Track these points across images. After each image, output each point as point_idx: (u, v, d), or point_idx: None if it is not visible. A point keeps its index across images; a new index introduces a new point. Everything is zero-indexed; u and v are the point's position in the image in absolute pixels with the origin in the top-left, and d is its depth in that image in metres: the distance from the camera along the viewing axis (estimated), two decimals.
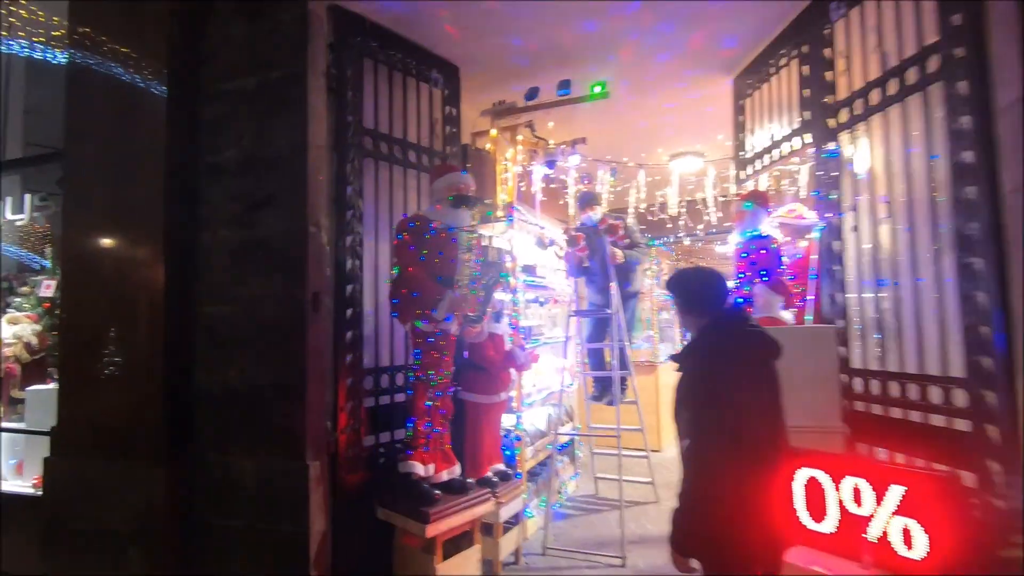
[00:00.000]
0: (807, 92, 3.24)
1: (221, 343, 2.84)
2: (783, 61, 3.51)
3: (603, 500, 4.88)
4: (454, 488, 3.06)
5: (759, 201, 3.76)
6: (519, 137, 4.10)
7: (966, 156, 2.18)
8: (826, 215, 3.07)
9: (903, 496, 2.08)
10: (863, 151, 2.80)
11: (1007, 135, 2.05)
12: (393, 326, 3.32)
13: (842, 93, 2.95)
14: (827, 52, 3.04)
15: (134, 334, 2.84)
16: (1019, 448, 2.02)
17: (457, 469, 3.19)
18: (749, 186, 4.01)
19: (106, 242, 2.95)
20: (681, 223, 5.28)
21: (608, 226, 4.27)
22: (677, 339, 6.65)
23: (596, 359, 4.73)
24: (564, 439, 4.87)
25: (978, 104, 2.14)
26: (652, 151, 5.01)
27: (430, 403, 3.06)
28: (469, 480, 3.16)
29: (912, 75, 2.47)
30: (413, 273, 2.86)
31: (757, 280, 3.59)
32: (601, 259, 4.47)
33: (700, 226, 5.32)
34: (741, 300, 3.59)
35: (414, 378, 3.05)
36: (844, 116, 2.93)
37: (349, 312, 3.04)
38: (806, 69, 3.24)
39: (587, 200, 4.36)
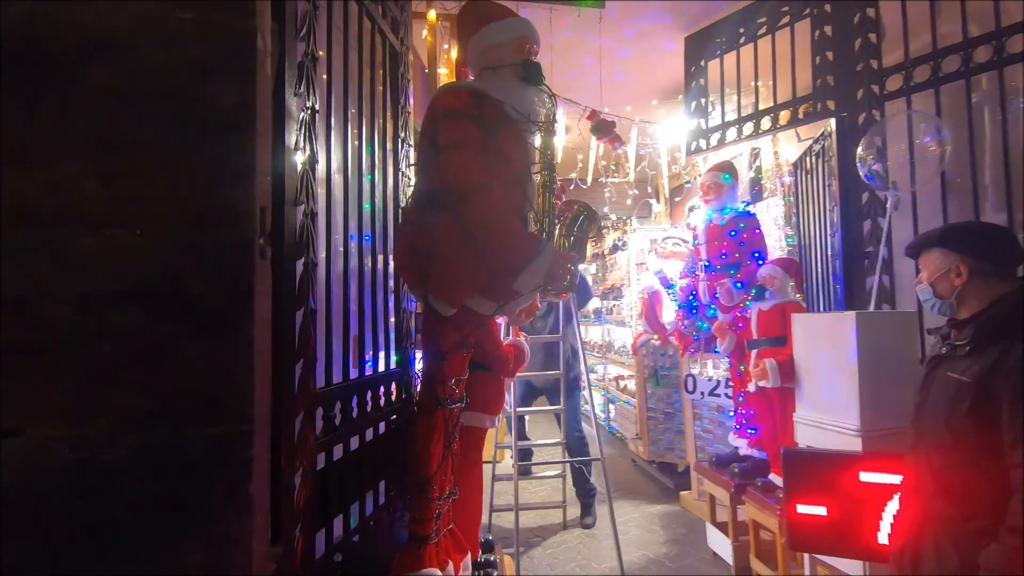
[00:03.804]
0: (829, 55, 2.93)
1: None
2: (783, 20, 3.16)
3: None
4: None
5: (735, 174, 3.35)
6: None
7: None
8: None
9: None
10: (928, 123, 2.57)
11: None
12: (347, 301, 1.69)
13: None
14: (870, 12, 2.77)
15: None
16: None
17: (468, 559, 1.80)
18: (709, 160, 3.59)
19: None
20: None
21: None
22: None
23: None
24: None
25: None
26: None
27: (447, 448, 1.63)
28: None
29: (1018, 43, 2.32)
30: (495, 203, 1.41)
31: (748, 262, 3.15)
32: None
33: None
34: (739, 285, 3.09)
35: (430, 403, 1.57)
36: (895, 83, 2.69)
37: (299, 266, 1.37)
38: (828, 29, 2.93)
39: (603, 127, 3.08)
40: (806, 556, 2.68)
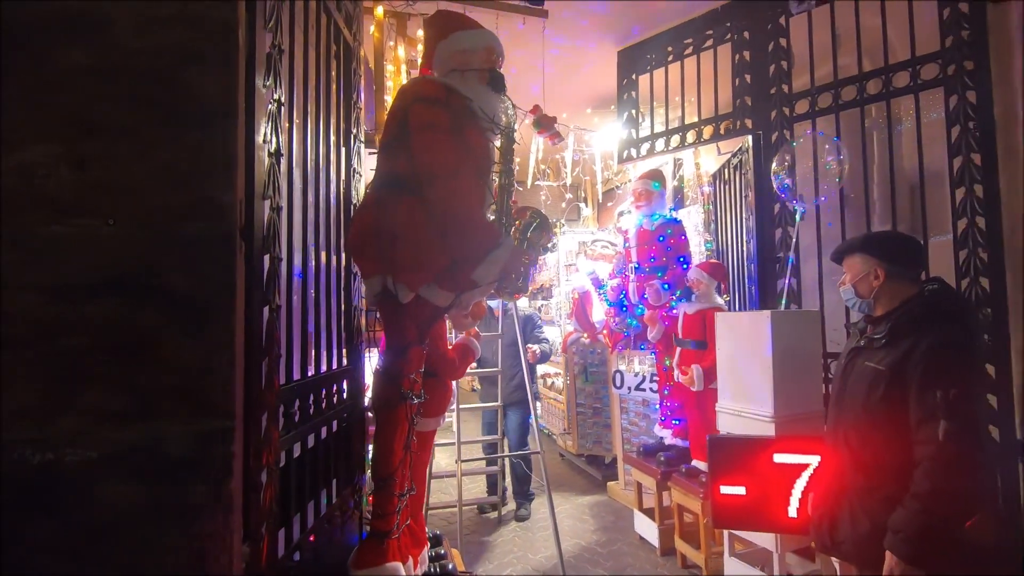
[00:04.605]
0: (748, 78, 3.23)
1: None
2: (707, 43, 3.44)
3: None
4: None
5: (664, 182, 3.59)
6: (419, 33, 2.78)
7: (974, 159, 2.45)
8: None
9: None
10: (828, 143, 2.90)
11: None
12: (305, 297, 1.66)
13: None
14: (783, 42, 3.09)
15: None
16: None
17: (425, 552, 1.83)
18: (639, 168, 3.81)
19: None
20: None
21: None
22: None
23: None
24: None
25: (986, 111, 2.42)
26: None
27: (409, 444, 1.66)
28: (455, 569, 1.84)
29: (902, 79, 2.68)
30: (462, 188, 1.46)
31: (674, 265, 3.39)
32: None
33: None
34: (666, 286, 3.32)
35: (393, 399, 1.58)
36: (803, 107, 3.01)
37: (266, 261, 1.34)
38: (747, 55, 3.23)
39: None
40: (726, 533, 2.93)
